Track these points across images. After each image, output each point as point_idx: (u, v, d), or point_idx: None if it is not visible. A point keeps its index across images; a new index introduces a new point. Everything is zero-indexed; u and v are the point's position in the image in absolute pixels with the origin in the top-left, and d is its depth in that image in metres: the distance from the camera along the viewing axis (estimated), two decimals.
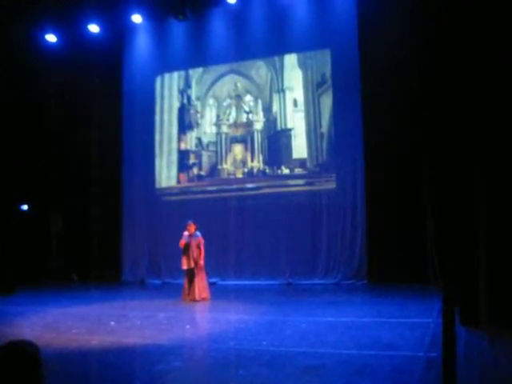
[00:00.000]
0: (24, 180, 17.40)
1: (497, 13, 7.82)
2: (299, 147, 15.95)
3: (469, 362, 6.04)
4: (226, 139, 16.91)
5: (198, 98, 17.41)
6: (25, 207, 17.91)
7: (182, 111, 17.52)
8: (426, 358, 6.38)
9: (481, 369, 5.90)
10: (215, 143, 17.05)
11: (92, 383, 6.07)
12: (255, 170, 16.45)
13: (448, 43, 9.11)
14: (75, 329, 9.15)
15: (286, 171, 16.03)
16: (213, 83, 17.23)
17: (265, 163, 16.32)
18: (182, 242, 12.46)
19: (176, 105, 17.61)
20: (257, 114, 16.64)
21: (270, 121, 16.37)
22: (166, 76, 17.79)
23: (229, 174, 16.79)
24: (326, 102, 15.71)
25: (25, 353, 2.29)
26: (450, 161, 8.96)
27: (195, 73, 17.49)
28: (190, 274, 12.35)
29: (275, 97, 16.38)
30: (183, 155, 17.37)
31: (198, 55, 17.20)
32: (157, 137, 17.68)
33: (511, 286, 7.46)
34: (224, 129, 16.98)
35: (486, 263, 7.65)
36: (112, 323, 9.63)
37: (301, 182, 15.82)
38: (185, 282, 12.51)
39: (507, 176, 7.66)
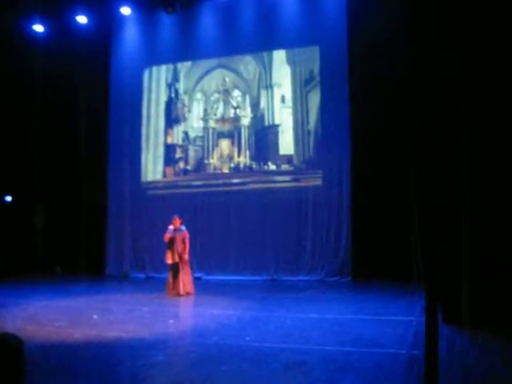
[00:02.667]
0: (8, 170, 17.26)
1: (486, 8, 7.87)
2: (286, 143, 15.96)
3: (451, 360, 6.09)
4: (213, 134, 16.88)
5: (185, 92, 17.35)
6: (8, 198, 17.76)
7: (170, 105, 17.45)
8: (408, 356, 6.42)
9: (462, 367, 5.95)
10: (202, 138, 17.00)
11: (74, 377, 6.03)
12: (242, 166, 16.44)
13: (438, 41, 9.14)
14: (57, 322, 9.09)
15: (272, 167, 16.04)
16: (201, 77, 17.17)
17: (251, 159, 16.31)
18: (167, 235, 12.42)
19: (163, 98, 17.54)
20: (244, 109, 16.62)
21: (258, 116, 16.36)
22: (154, 69, 17.70)
23: (215, 168, 16.77)
24: (314, 99, 15.73)
25: (8, 345, 2.26)
26: (437, 161, 9.00)
27: (183, 66, 17.42)
28: (175, 269, 12.31)
29: (263, 92, 16.37)
30: (170, 149, 17.31)
31: (186, 49, 17.11)
32: (143, 130, 17.59)
33: (493, 286, 7.52)
34: (211, 123, 16.94)
35: (469, 262, 7.71)
36: (95, 317, 9.58)
37: (287, 178, 15.83)
38: (169, 276, 12.47)
39: (492, 176, 7.71)
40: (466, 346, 6.81)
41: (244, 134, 16.47)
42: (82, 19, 16.87)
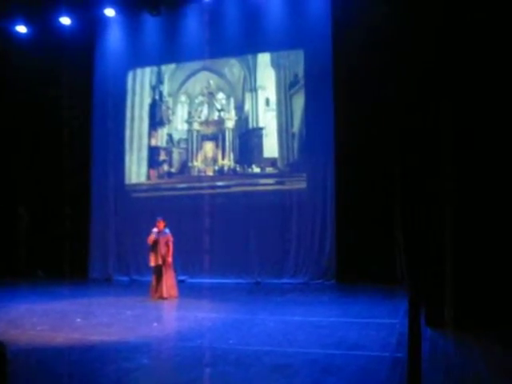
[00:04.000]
0: None
1: (473, 12, 7.94)
2: (270, 146, 15.98)
3: (433, 362, 6.13)
4: (197, 136, 16.86)
5: (169, 95, 17.31)
6: None
7: (154, 107, 17.41)
8: (391, 358, 6.46)
9: (445, 369, 5.99)
10: (186, 140, 16.98)
11: (57, 380, 5.99)
12: (226, 168, 16.43)
13: (422, 44, 9.21)
14: (40, 325, 9.02)
15: (256, 170, 16.05)
16: (185, 80, 17.15)
17: (236, 161, 16.31)
18: (151, 238, 12.37)
19: (147, 100, 17.49)
20: (229, 112, 16.62)
21: (242, 119, 16.37)
22: (138, 71, 17.65)
23: (199, 171, 16.74)
24: (298, 102, 15.77)
25: None
26: (420, 162, 9.07)
27: (168, 69, 17.38)
28: (158, 272, 12.27)
29: (247, 95, 16.38)
30: (153, 152, 17.26)
31: (171, 51, 17.09)
32: (127, 132, 17.52)
33: (476, 289, 7.59)
34: (195, 126, 16.92)
35: (452, 265, 7.77)
36: (78, 320, 9.52)
37: (271, 181, 15.85)
38: (153, 279, 12.43)
39: (477, 179, 7.79)
40: (448, 349, 6.87)
41: (228, 136, 16.47)
42: (65, 20, 16.80)
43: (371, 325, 8.62)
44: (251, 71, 16.38)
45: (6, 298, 12.54)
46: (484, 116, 7.87)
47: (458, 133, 7.96)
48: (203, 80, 16.97)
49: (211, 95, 16.89)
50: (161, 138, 17.27)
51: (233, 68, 16.65)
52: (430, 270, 8.11)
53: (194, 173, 16.78)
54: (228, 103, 16.68)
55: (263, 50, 16.29)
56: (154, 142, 17.30)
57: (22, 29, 17.30)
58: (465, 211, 7.79)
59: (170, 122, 17.23)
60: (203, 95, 16.99)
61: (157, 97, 17.43)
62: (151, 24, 17.06)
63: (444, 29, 8.23)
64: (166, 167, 17.09)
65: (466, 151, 7.87)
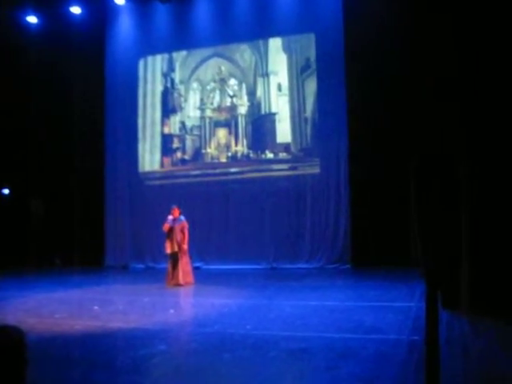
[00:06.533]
0: (4, 163, 17.21)
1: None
2: (283, 132, 15.94)
3: (450, 345, 6.11)
4: (209, 123, 16.85)
5: (181, 82, 17.29)
6: (5, 191, 17.73)
7: (166, 95, 17.41)
8: (408, 342, 6.44)
9: (462, 352, 5.98)
10: (199, 127, 16.98)
11: (75, 368, 6.05)
12: (239, 155, 16.42)
13: (434, 28, 9.11)
14: (58, 313, 9.10)
15: (270, 156, 16.03)
16: (197, 66, 17.12)
17: (249, 147, 16.30)
18: (166, 226, 12.41)
19: (159, 88, 17.48)
20: (241, 97, 16.58)
21: (254, 105, 16.33)
22: (150, 59, 17.64)
23: (212, 158, 16.75)
24: (311, 87, 15.70)
25: (10, 337, 2.26)
26: (434, 144, 9.00)
27: (179, 56, 17.35)
28: (174, 259, 12.32)
29: (259, 81, 16.33)
30: (167, 139, 17.29)
31: (181, 38, 17.06)
32: (140, 120, 17.55)
33: (492, 270, 7.54)
34: (208, 113, 16.91)
35: (468, 247, 7.73)
36: (95, 308, 9.59)
37: (285, 166, 15.83)
38: (169, 266, 12.49)
39: (491, 159, 7.71)
40: (465, 331, 6.84)
41: (241, 122, 16.45)
42: (75, 10, 16.81)
43: (387, 308, 8.61)
44: (262, 56, 16.31)
45: (24, 288, 12.68)
46: (500, 109, 7.73)
47: (472, 113, 7.87)
48: (215, 66, 16.93)
49: (223, 81, 16.85)
50: (173, 126, 17.28)
51: (244, 54, 16.58)
52: (445, 252, 8.07)
53: (208, 160, 16.79)
54: (240, 89, 16.64)
55: (274, 35, 16.21)
56: (166, 130, 17.33)
57: (32, 19, 17.34)
58: (481, 192, 7.73)
59: (182, 109, 17.22)
60: (215, 81, 16.96)
61: (168, 84, 17.42)
62: (161, 11, 17.02)
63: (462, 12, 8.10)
64: (179, 154, 17.12)
65: (481, 135, 7.78)
